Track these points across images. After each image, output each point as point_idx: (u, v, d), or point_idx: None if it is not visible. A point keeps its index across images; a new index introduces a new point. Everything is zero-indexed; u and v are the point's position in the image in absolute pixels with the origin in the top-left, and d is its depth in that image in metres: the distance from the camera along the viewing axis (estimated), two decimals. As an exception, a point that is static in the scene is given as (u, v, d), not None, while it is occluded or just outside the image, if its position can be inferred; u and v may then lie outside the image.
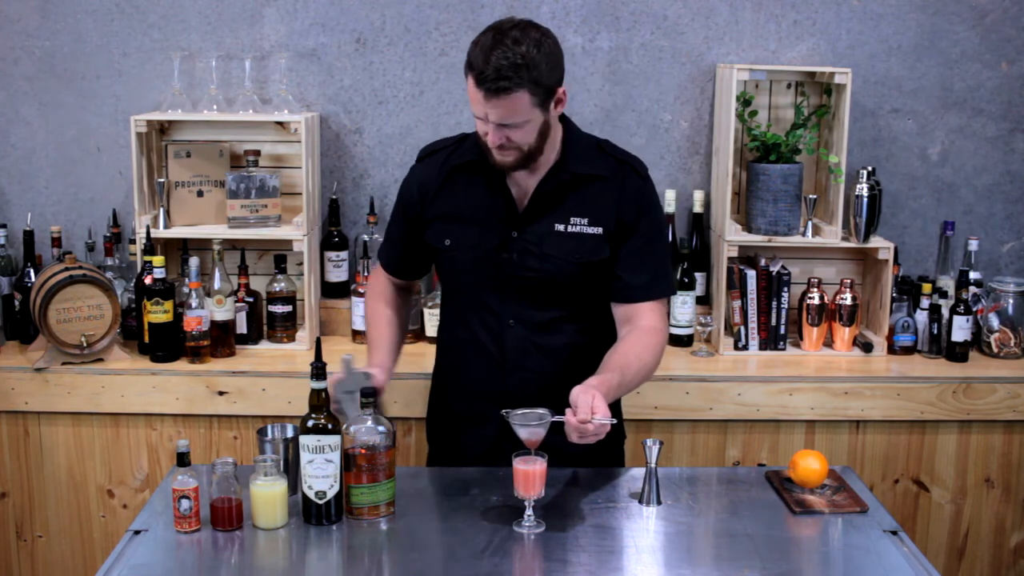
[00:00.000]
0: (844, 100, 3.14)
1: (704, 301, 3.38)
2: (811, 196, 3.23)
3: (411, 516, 2.11)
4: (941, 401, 3.03)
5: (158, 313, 3.02)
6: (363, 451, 2.04)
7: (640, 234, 2.28)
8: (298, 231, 3.16)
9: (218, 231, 3.18)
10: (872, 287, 3.31)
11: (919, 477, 3.10)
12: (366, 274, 3.18)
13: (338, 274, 3.39)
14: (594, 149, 2.31)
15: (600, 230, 2.26)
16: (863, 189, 3.18)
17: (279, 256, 3.24)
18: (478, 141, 2.22)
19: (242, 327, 3.18)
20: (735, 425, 3.04)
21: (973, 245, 3.33)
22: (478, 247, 2.28)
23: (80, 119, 3.37)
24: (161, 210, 3.18)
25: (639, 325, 2.26)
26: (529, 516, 2.04)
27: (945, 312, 3.21)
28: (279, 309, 3.23)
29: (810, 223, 3.22)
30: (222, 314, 3.10)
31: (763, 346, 3.25)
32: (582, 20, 3.34)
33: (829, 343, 3.28)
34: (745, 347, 3.25)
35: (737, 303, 3.23)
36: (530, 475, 2.01)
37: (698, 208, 3.37)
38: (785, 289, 3.23)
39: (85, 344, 2.98)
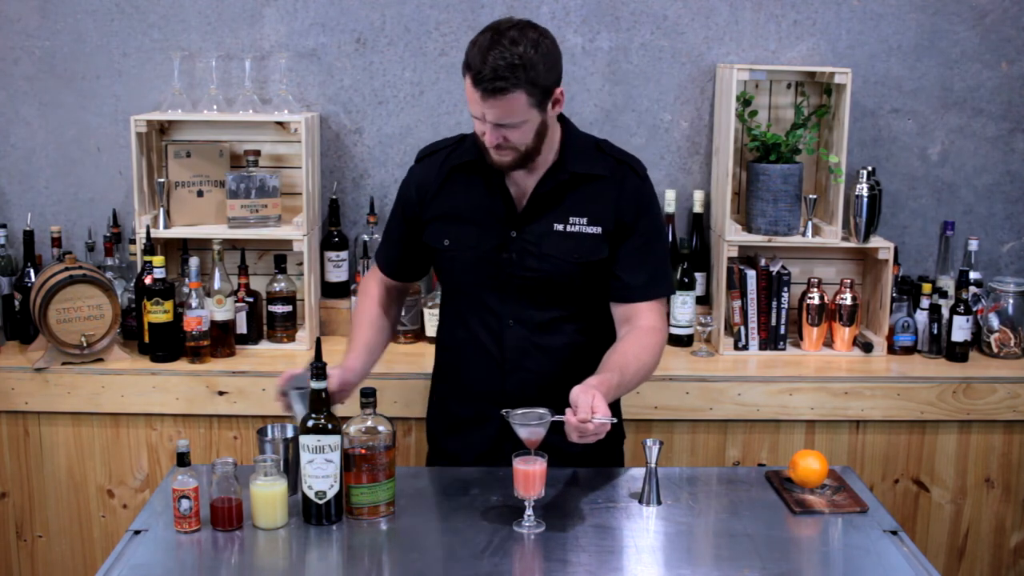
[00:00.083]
0: (844, 100, 3.14)
1: (704, 301, 3.38)
2: (811, 196, 3.23)
3: (411, 516, 2.10)
4: (941, 401, 3.03)
5: (158, 313, 3.03)
6: (363, 451, 2.04)
7: (639, 234, 2.28)
8: (298, 231, 3.17)
9: (218, 231, 3.19)
10: (872, 287, 3.31)
11: (919, 477, 3.10)
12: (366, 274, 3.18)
13: (338, 274, 3.39)
14: (593, 149, 2.31)
15: (599, 230, 2.25)
16: (863, 189, 3.18)
17: (279, 256, 3.24)
18: (476, 141, 2.22)
19: (242, 327, 3.18)
20: (735, 425, 3.04)
21: (973, 245, 3.33)
22: (477, 247, 2.28)
23: (80, 119, 3.37)
24: (161, 210, 3.18)
25: (638, 325, 2.26)
26: (529, 516, 2.04)
27: (945, 312, 3.21)
28: (279, 309, 3.23)
29: (810, 223, 3.22)
30: (222, 314, 3.10)
31: (763, 346, 3.25)
32: (582, 20, 3.34)
33: (829, 343, 3.28)
34: (745, 347, 3.25)
35: (737, 303, 3.23)
36: (530, 475, 2.01)
37: (698, 208, 3.37)
38: (785, 289, 3.23)
39: (85, 344, 2.98)
